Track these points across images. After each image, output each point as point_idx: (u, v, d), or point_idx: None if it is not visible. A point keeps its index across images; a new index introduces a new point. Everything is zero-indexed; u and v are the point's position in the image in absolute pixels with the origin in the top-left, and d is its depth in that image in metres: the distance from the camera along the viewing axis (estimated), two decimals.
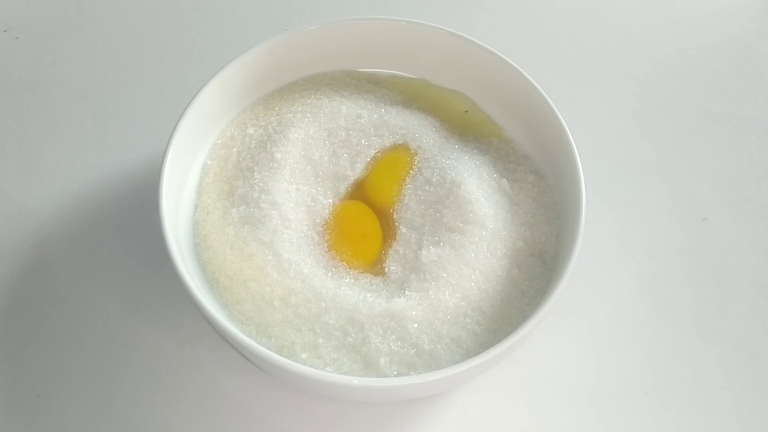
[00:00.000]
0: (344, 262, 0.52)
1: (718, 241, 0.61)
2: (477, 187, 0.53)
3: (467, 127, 0.60)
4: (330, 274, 0.51)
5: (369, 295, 0.50)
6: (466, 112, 0.60)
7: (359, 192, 0.56)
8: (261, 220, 0.51)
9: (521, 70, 0.56)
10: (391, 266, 0.52)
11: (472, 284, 0.50)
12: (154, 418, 0.51)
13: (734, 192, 0.64)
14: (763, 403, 0.54)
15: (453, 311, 0.49)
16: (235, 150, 0.57)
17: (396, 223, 0.54)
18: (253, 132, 0.57)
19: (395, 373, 0.46)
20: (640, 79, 0.72)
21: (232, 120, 0.59)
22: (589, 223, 0.49)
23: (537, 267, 0.52)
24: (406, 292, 0.50)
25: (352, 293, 0.50)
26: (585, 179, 0.50)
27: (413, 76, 0.62)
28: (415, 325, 0.48)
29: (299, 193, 0.54)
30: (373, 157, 0.57)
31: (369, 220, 0.54)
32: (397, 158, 0.56)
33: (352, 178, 0.56)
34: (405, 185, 0.55)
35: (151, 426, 0.51)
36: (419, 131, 0.57)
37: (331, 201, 0.55)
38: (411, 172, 0.56)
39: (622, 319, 0.57)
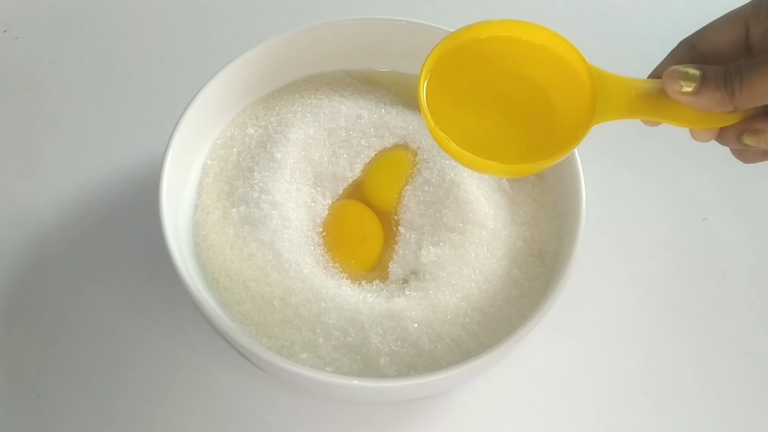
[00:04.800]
0: (343, 267, 0.52)
1: (718, 241, 0.61)
2: (477, 187, 0.53)
3: None
4: (330, 274, 0.51)
5: (369, 295, 0.50)
6: None
7: (359, 192, 0.56)
8: (261, 220, 0.51)
9: None
10: (391, 267, 0.52)
11: (472, 284, 0.50)
12: (154, 418, 0.51)
13: (734, 192, 0.64)
14: (763, 403, 0.54)
15: (453, 311, 0.49)
16: (235, 150, 0.57)
17: (396, 224, 0.54)
18: (253, 132, 0.57)
19: (395, 373, 0.46)
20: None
21: (232, 120, 0.59)
22: (589, 223, 0.49)
23: (537, 267, 0.52)
24: (406, 292, 0.50)
25: (352, 293, 0.50)
26: (585, 179, 0.50)
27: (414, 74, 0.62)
28: (415, 325, 0.48)
29: (299, 193, 0.54)
30: (373, 157, 0.57)
31: (369, 221, 0.54)
32: (396, 158, 0.56)
33: (352, 178, 0.56)
34: (404, 186, 0.55)
35: (151, 426, 0.51)
36: (419, 131, 0.57)
37: (330, 201, 0.55)
38: (410, 172, 0.56)
39: (622, 319, 0.57)
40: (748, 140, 0.37)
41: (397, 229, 0.54)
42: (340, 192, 0.55)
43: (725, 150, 0.67)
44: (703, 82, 0.35)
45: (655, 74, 0.40)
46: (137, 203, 0.60)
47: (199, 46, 0.71)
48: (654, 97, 0.38)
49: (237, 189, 0.54)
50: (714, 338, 0.56)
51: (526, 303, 0.50)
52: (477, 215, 0.52)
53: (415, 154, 0.56)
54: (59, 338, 0.54)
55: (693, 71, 0.36)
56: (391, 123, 0.57)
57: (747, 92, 0.34)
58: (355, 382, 0.43)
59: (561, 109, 0.41)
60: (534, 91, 0.42)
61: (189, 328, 0.54)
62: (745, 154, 0.39)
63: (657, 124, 0.40)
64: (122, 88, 0.68)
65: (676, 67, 0.36)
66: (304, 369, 0.43)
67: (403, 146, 0.57)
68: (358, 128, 0.57)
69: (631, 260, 0.60)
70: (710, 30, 0.38)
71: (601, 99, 0.39)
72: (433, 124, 0.40)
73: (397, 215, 0.54)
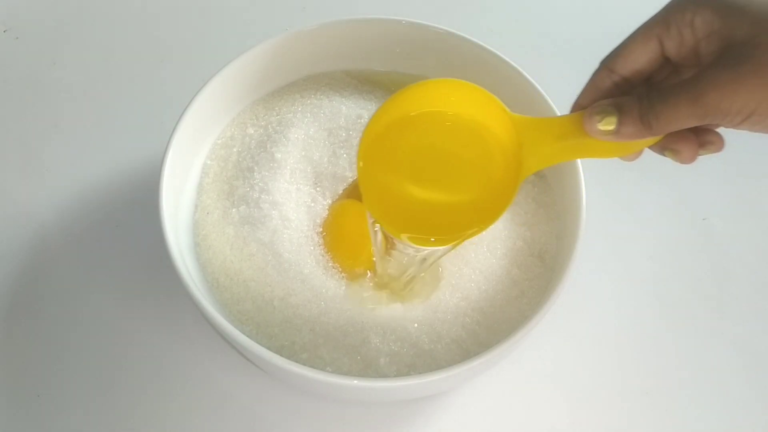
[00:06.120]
0: (343, 266, 0.52)
1: (718, 241, 0.61)
2: None
3: None
4: (330, 274, 0.51)
5: (369, 295, 0.50)
6: None
7: (359, 192, 0.56)
8: (261, 220, 0.51)
9: (521, 70, 0.56)
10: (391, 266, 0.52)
11: (472, 284, 0.50)
12: (154, 418, 0.51)
13: (734, 192, 0.64)
14: (763, 403, 0.54)
15: (453, 311, 0.49)
16: (235, 150, 0.57)
17: None
18: (253, 132, 0.57)
19: (395, 373, 0.46)
20: None
21: (232, 120, 0.59)
22: (589, 223, 0.49)
23: (537, 267, 0.52)
24: (406, 292, 0.50)
25: (352, 293, 0.50)
26: (585, 179, 0.50)
27: (414, 74, 0.62)
28: (415, 325, 0.48)
29: (299, 193, 0.54)
30: None
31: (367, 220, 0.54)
32: None
33: (352, 178, 0.56)
34: None
35: (151, 426, 0.51)
36: None
37: (330, 201, 0.55)
38: None
39: (622, 319, 0.57)
40: (668, 156, 0.39)
41: None
42: (340, 192, 0.55)
43: (725, 150, 0.67)
44: (621, 121, 0.36)
45: (579, 104, 0.40)
46: (137, 203, 0.59)
47: (199, 46, 0.71)
48: (578, 134, 0.39)
49: (237, 189, 0.54)
50: (714, 338, 0.56)
51: (526, 303, 0.50)
52: None
53: None
54: (59, 338, 0.54)
55: (610, 116, 0.37)
56: None
57: (664, 122, 0.35)
58: (355, 382, 0.43)
59: (502, 165, 0.41)
60: (476, 146, 0.41)
61: (189, 328, 0.54)
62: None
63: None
64: (122, 88, 0.68)
65: (592, 111, 0.37)
66: (304, 369, 0.43)
67: None
68: (358, 128, 0.57)
69: (631, 260, 0.60)
70: (626, 51, 0.39)
71: (526, 149, 0.39)
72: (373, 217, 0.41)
73: None
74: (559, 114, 0.53)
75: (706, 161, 0.66)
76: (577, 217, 0.49)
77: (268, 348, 0.45)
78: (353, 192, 0.56)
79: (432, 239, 0.41)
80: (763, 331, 0.57)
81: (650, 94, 0.36)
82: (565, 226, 0.52)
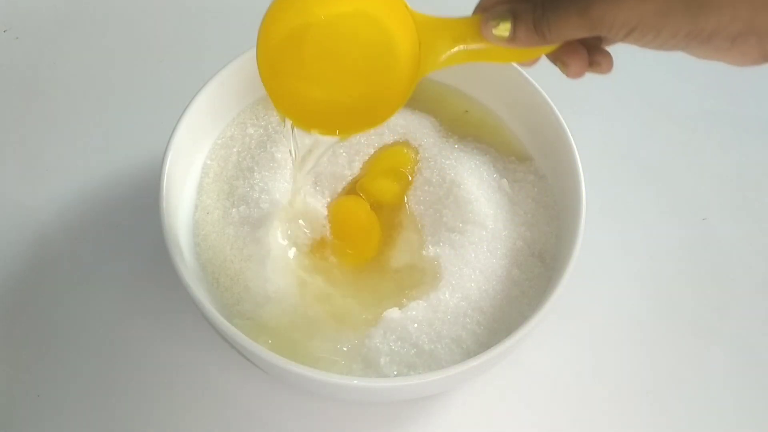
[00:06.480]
0: (342, 263, 0.52)
1: (718, 241, 0.61)
2: (477, 187, 0.53)
3: (467, 127, 0.60)
4: None
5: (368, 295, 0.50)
6: (466, 112, 0.60)
7: (361, 187, 0.56)
8: (261, 220, 0.51)
9: (521, 69, 0.56)
10: (391, 266, 0.52)
11: (472, 284, 0.50)
12: (154, 418, 0.51)
13: (734, 192, 0.64)
14: (763, 403, 0.54)
15: (453, 311, 0.49)
16: (235, 150, 0.57)
17: (397, 222, 0.54)
18: (253, 132, 0.57)
19: (395, 373, 0.46)
20: (640, 79, 0.72)
21: (232, 120, 0.59)
22: (589, 223, 0.49)
23: (537, 267, 0.52)
24: (406, 292, 0.50)
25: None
26: (585, 179, 0.50)
27: None
28: (415, 325, 0.48)
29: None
30: (373, 154, 0.56)
31: (365, 214, 0.54)
32: (397, 152, 0.56)
33: (351, 176, 0.56)
34: (407, 177, 0.55)
35: (151, 426, 0.51)
36: (419, 131, 0.57)
37: (329, 200, 0.55)
38: (412, 167, 0.55)
39: (622, 319, 0.57)
40: (559, 67, 0.40)
41: (399, 224, 0.54)
42: (339, 190, 0.55)
43: (725, 150, 0.67)
44: (516, 27, 0.37)
45: (481, 6, 0.40)
46: (137, 203, 0.59)
47: (199, 46, 0.71)
48: (475, 38, 0.39)
49: (237, 189, 0.54)
50: (714, 338, 0.56)
51: (526, 303, 0.50)
52: (477, 215, 0.52)
53: (417, 151, 0.56)
54: (59, 338, 0.54)
55: (505, 22, 0.38)
56: (390, 122, 0.57)
57: (555, 32, 0.36)
58: (355, 382, 0.43)
59: (401, 62, 0.41)
60: (375, 44, 0.41)
61: (189, 328, 0.54)
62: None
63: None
64: (122, 88, 0.68)
65: (489, 16, 0.38)
66: (304, 369, 0.43)
67: (403, 143, 0.57)
68: None
69: (631, 260, 0.60)
70: None
71: (424, 48, 0.40)
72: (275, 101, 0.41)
73: (400, 211, 0.54)
74: (558, 113, 0.53)
75: (707, 161, 0.66)
76: (577, 217, 0.49)
77: (268, 348, 0.45)
78: (352, 190, 0.56)
79: (337, 132, 0.43)
80: (763, 331, 0.57)
81: (545, 4, 0.37)
82: (565, 226, 0.52)
